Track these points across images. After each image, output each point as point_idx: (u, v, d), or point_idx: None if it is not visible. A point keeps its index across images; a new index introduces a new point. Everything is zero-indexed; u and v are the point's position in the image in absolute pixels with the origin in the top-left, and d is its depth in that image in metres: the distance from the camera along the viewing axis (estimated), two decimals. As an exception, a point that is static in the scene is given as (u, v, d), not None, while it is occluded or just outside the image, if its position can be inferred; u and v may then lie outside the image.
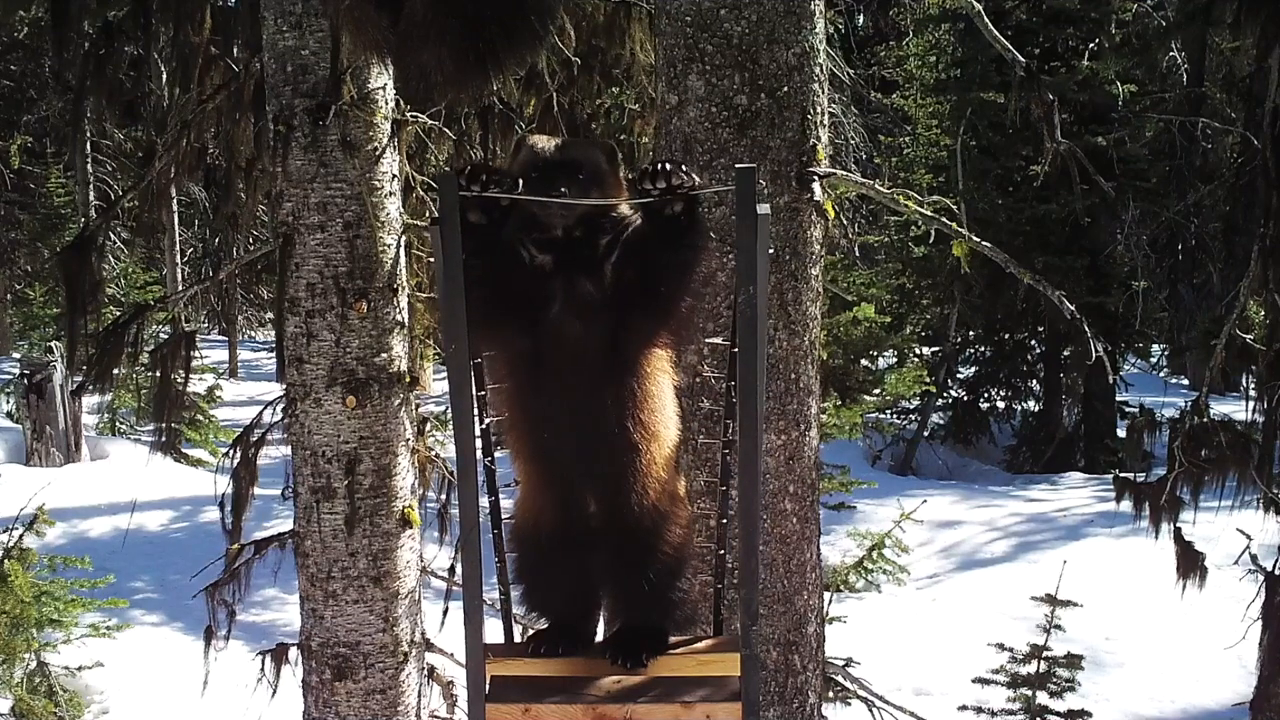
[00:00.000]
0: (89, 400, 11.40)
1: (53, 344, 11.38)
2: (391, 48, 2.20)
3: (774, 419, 3.66)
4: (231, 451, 4.79)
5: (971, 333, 13.66)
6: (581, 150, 2.32)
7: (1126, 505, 5.57)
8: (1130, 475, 5.69)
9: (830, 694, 5.15)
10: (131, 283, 14.68)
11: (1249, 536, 5.32)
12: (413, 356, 4.48)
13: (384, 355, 4.20)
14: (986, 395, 13.77)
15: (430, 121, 4.68)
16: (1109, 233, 13.11)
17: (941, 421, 13.58)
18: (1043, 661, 5.68)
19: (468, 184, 2.07)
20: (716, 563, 2.59)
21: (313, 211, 4.10)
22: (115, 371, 4.98)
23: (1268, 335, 5.38)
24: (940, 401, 13.24)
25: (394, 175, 4.27)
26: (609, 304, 2.21)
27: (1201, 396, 5.30)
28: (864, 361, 11.60)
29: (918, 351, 13.18)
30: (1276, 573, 5.16)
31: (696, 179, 2.13)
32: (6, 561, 5.49)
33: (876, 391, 11.66)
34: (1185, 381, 16.22)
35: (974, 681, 5.88)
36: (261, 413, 4.78)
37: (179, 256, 16.14)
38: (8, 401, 11.79)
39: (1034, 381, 13.73)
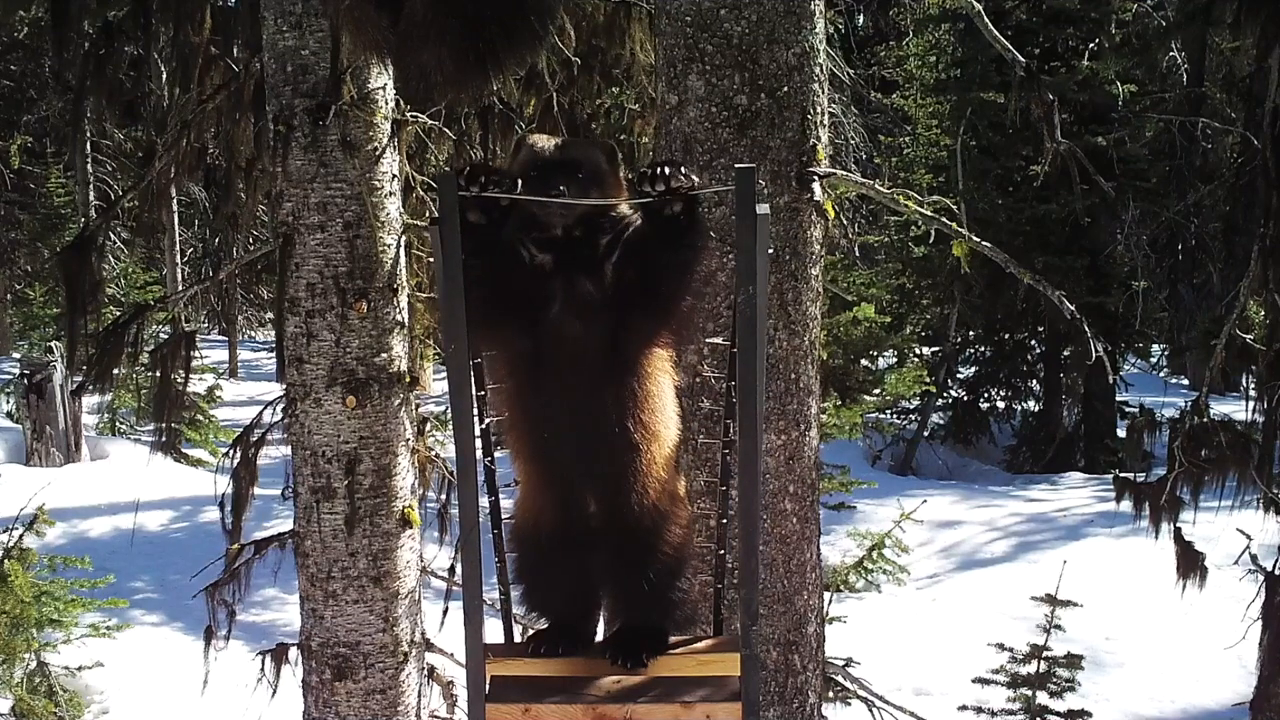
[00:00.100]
0: (89, 400, 11.40)
1: (53, 344, 11.38)
2: (391, 48, 2.20)
3: (774, 419, 3.66)
4: (231, 451, 4.79)
5: (971, 333, 13.66)
6: (581, 150, 2.32)
7: (1126, 505, 5.57)
8: (1130, 475, 5.69)
9: (830, 694, 5.15)
10: (131, 283, 14.68)
11: (1249, 536, 5.32)
12: (413, 356, 4.48)
13: (384, 355, 4.20)
14: (986, 395, 13.77)
15: (430, 121, 4.68)
16: (1109, 233, 13.11)
17: (941, 421, 13.58)
18: (1043, 661, 5.68)
19: (467, 184, 2.07)
20: (716, 563, 2.59)
21: (313, 211, 4.10)
22: (115, 371, 4.98)
23: (1268, 335, 5.38)
24: (940, 401, 13.24)
25: (394, 175, 4.27)
26: (609, 304, 2.21)
27: (1201, 396, 5.30)
28: (864, 361, 11.60)
29: (918, 351, 13.18)
30: (1276, 573, 5.16)
31: (696, 179, 2.13)
32: (6, 561, 5.49)
33: (876, 391, 11.66)
34: (1185, 381, 16.21)
35: (974, 681, 5.88)
36: (261, 413, 4.78)
37: (179, 256, 16.14)
38: (8, 401, 11.79)
39: (1034, 381, 13.73)
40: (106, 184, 15.95)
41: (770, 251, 3.35)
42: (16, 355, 14.18)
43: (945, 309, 13.09)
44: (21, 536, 5.60)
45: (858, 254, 13.26)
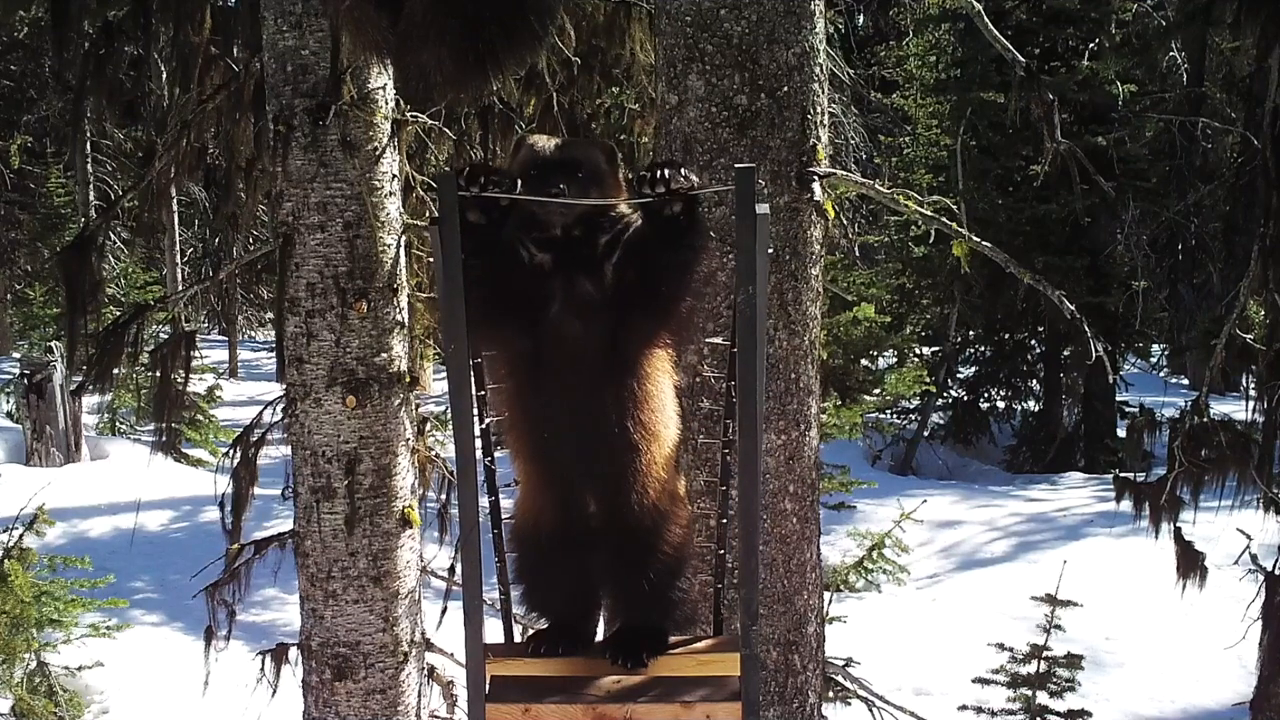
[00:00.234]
0: (89, 400, 11.40)
1: (53, 344, 11.37)
2: (391, 48, 2.20)
3: (774, 419, 3.66)
4: (231, 451, 4.79)
5: (971, 333, 13.66)
6: (581, 150, 2.32)
7: (1126, 505, 5.57)
8: (1130, 475, 5.69)
9: (830, 694, 5.15)
10: (131, 283, 14.67)
11: (1249, 536, 5.32)
12: (413, 356, 4.48)
13: (384, 355, 4.20)
14: (986, 395, 13.78)
15: (430, 121, 4.68)
16: (1109, 233, 13.11)
17: (941, 421, 13.58)
18: (1043, 661, 5.68)
19: (467, 184, 2.07)
20: (716, 563, 2.59)
21: (313, 211, 4.10)
22: (115, 371, 4.98)
23: (1268, 335, 5.38)
24: (940, 401, 13.24)
25: (394, 175, 4.27)
26: (609, 304, 2.21)
27: (1201, 396, 5.30)
28: (864, 361, 11.60)
29: (918, 351, 13.18)
30: (1276, 573, 5.16)
31: (696, 180, 2.13)
32: (6, 561, 5.49)
33: (876, 391, 11.66)
34: (1185, 381, 16.21)
35: (974, 681, 5.88)
36: (261, 413, 4.78)
37: (179, 256, 16.14)
38: (8, 401, 11.79)
39: (1034, 381, 13.73)
40: (106, 184, 15.95)
41: (770, 251, 3.35)
42: (16, 355, 14.18)
43: (945, 309, 13.09)
44: (21, 536, 5.60)
45: (858, 254, 13.26)
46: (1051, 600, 5.75)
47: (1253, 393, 5.67)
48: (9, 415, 11.57)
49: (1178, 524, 5.28)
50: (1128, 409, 12.60)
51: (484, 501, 2.29)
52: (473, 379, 2.27)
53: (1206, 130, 15.25)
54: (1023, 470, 12.82)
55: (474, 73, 2.16)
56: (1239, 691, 6.13)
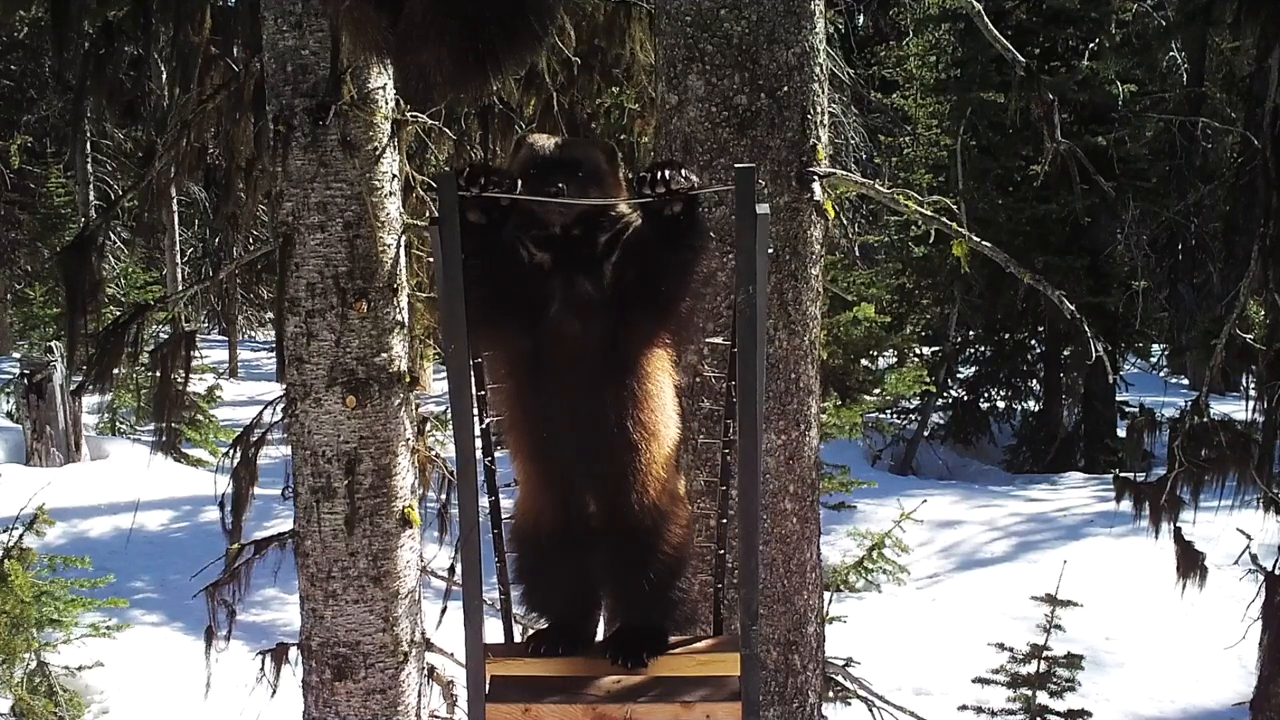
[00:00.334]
0: (89, 400, 11.40)
1: (53, 344, 11.37)
2: (391, 48, 2.20)
3: (774, 419, 3.66)
4: (231, 451, 4.79)
5: (971, 333, 13.67)
6: (581, 149, 2.32)
7: (1126, 505, 5.58)
8: (1130, 475, 5.69)
9: (830, 694, 5.15)
10: (131, 283, 14.67)
11: (1249, 536, 5.32)
12: (413, 356, 4.48)
13: (384, 355, 4.20)
14: (986, 395, 13.78)
15: (430, 121, 4.68)
16: (1109, 233, 13.11)
17: (941, 421, 13.59)
18: (1043, 661, 5.68)
19: (467, 184, 2.08)
20: (716, 563, 2.59)
21: (313, 211, 4.10)
22: (115, 371, 4.98)
23: (1268, 335, 5.38)
24: (940, 401, 13.25)
25: (394, 175, 4.27)
26: (608, 304, 2.21)
27: (1201, 396, 5.31)
28: (864, 361, 11.60)
29: (918, 351, 13.18)
30: (1276, 573, 5.17)
31: (696, 180, 2.13)
32: (6, 561, 5.49)
33: (876, 391, 11.66)
34: (1185, 381, 16.21)
35: (974, 681, 5.88)
36: (261, 413, 4.78)
37: (179, 256, 16.14)
38: (8, 401, 11.79)
39: (1034, 381, 13.74)
40: (106, 184, 15.95)
41: (770, 251, 3.36)
42: (16, 355, 14.18)
43: (945, 309, 13.09)
44: (21, 536, 5.60)
45: (858, 254, 13.27)
46: (1051, 600, 5.75)
47: (1253, 393, 5.68)
48: (9, 415, 11.57)
49: (1178, 524, 5.28)
50: (1128, 409, 12.60)
51: (484, 501, 2.29)
52: (473, 379, 2.27)
53: (1206, 130, 15.25)
54: (1023, 470, 12.82)
55: (474, 73, 2.16)
56: (1239, 691, 6.13)
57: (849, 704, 5.49)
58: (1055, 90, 6.57)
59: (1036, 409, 13.64)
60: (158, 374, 4.87)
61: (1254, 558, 5.30)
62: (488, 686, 2.32)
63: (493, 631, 2.46)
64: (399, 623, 4.29)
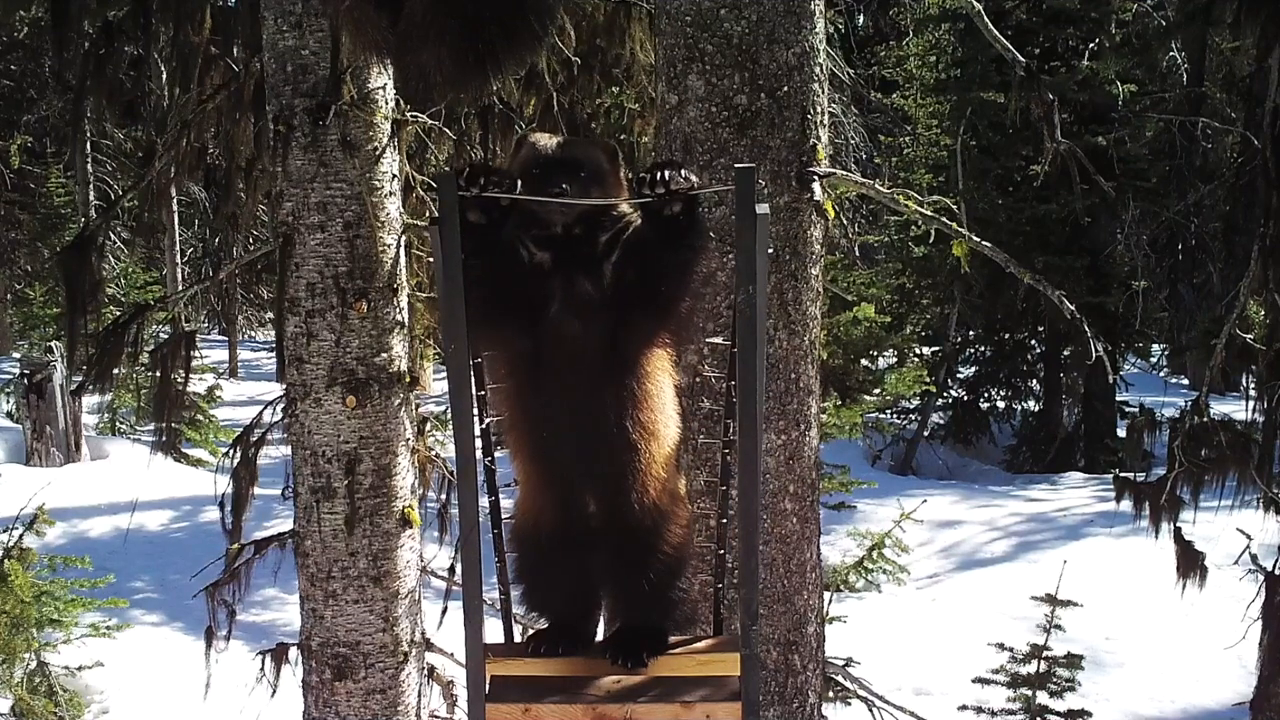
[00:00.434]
0: (89, 400, 11.40)
1: (53, 344, 11.37)
2: (391, 48, 2.20)
3: (774, 419, 3.66)
4: (231, 451, 4.79)
5: (971, 333, 13.67)
6: (583, 149, 2.33)
7: (1126, 505, 5.58)
8: (1130, 475, 5.69)
9: (830, 694, 5.15)
10: (131, 283, 14.67)
11: (1249, 536, 5.32)
12: (413, 356, 4.48)
13: (384, 355, 4.20)
14: (986, 395, 13.78)
15: (430, 121, 4.68)
16: (1109, 233, 13.12)
17: (941, 421, 13.59)
18: (1043, 661, 5.68)
19: (467, 184, 2.08)
20: (716, 563, 2.59)
21: (313, 211, 4.10)
22: (115, 371, 4.98)
23: (1268, 335, 5.38)
24: (940, 401, 13.25)
25: (394, 175, 4.27)
26: (608, 303, 2.21)
27: (1201, 396, 5.31)
28: (864, 361, 11.60)
29: (918, 351, 13.18)
30: (1276, 573, 5.17)
31: (696, 180, 2.13)
32: (6, 561, 5.49)
33: (876, 391, 11.66)
34: (1185, 381, 16.21)
35: (974, 681, 5.88)
36: (261, 413, 4.78)
37: (179, 256, 16.14)
38: (8, 401, 11.79)
39: (1034, 381, 13.74)
40: (106, 184, 15.95)
41: (770, 251, 3.35)
42: (16, 355, 14.18)
43: (945, 309, 13.09)
44: (21, 536, 5.60)
45: (858, 254, 13.26)
46: (1051, 600, 5.75)
47: (1253, 393, 5.67)
48: (9, 415, 11.57)
49: (1178, 524, 5.28)
50: (1128, 409, 12.60)
51: (484, 501, 2.29)
52: (473, 379, 2.27)
53: (1206, 130, 15.25)
54: (1023, 470, 12.82)
55: (474, 73, 2.16)
56: (1239, 691, 6.13)
57: (849, 704, 5.49)
58: (1055, 90, 6.57)
59: (1036, 409, 13.64)
60: (158, 374, 4.87)
61: (1254, 558, 5.30)
62: (488, 686, 2.32)
63: (493, 631, 2.46)
64: (399, 623, 4.29)
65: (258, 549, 4.65)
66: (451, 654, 4.65)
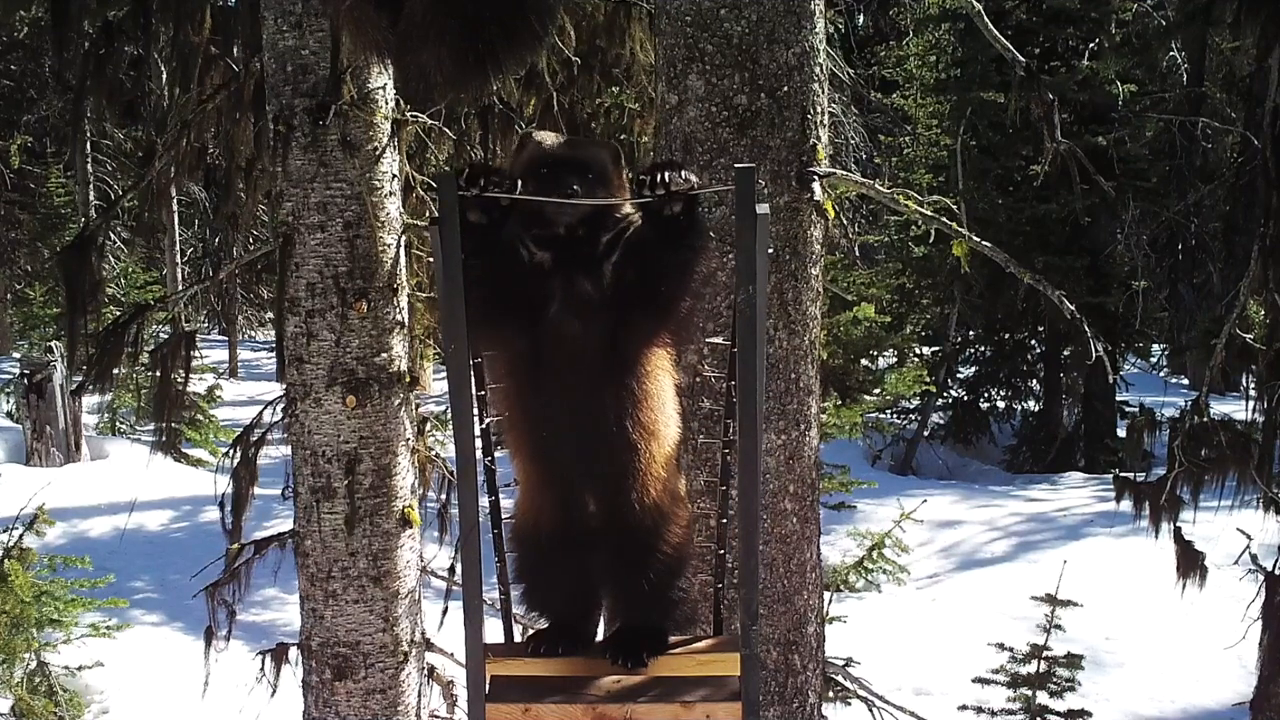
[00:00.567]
0: (89, 400, 11.41)
1: (53, 344, 11.37)
2: (391, 48, 2.20)
3: (774, 419, 3.66)
4: (231, 451, 4.79)
5: (971, 333, 13.67)
6: (589, 150, 2.33)
7: (1126, 505, 5.58)
8: (1130, 475, 5.69)
9: (830, 694, 5.15)
10: (131, 283, 14.67)
11: (1249, 536, 5.32)
12: (413, 356, 4.48)
13: (384, 355, 4.20)
14: (986, 395, 13.78)
15: (430, 121, 4.68)
16: (1109, 233, 13.12)
17: (941, 421, 13.59)
18: (1043, 661, 5.68)
19: (467, 184, 2.08)
20: (716, 563, 2.59)
21: (313, 211, 4.10)
22: (115, 371, 4.98)
23: (1268, 335, 5.38)
24: (940, 401, 13.25)
25: (394, 175, 4.27)
26: (608, 303, 2.21)
27: (1201, 396, 5.31)
28: (864, 361, 11.59)
29: (918, 351, 13.18)
30: (1276, 573, 5.17)
31: (696, 180, 2.13)
32: (6, 561, 5.49)
33: (876, 391, 11.66)
34: (1185, 381, 16.21)
35: (974, 681, 5.88)
36: (261, 413, 4.78)
37: (179, 256, 16.14)
38: (8, 401, 11.79)
39: (1034, 381, 13.74)
40: (106, 184, 15.95)
41: (770, 251, 3.35)
42: (16, 355, 14.18)
43: (945, 309, 13.09)
44: (21, 536, 5.60)
45: (858, 254, 13.26)
46: (1051, 600, 5.75)
47: (1253, 393, 5.67)
48: (9, 415, 11.57)
49: (1178, 524, 5.28)
50: (1128, 409, 12.60)
51: (484, 501, 2.29)
52: (473, 379, 2.27)
53: (1206, 130, 15.25)
54: (1023, 470, 12.82)
55: (474, 73, 2.16)
56: (1239, 691, 6.13)
57: (849, 704, 5.49)
58: (1055, 90, 6.58)
59: (1036, 409, 13.64)
60: (158, 374, 4.87)
61: (1254, 558, 5.30)
62: (488, 686, 2.32)
63: (493, 631, 2.46)
64: (399, 623, 4.29)
65: (258, 549, 4.65)
66: (451, 654, 4.65)
